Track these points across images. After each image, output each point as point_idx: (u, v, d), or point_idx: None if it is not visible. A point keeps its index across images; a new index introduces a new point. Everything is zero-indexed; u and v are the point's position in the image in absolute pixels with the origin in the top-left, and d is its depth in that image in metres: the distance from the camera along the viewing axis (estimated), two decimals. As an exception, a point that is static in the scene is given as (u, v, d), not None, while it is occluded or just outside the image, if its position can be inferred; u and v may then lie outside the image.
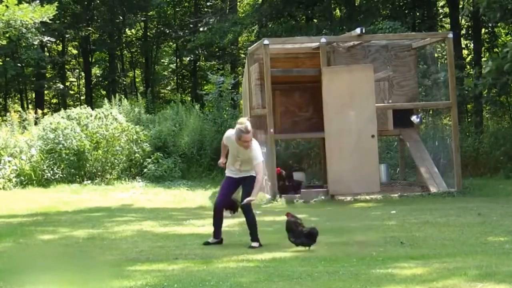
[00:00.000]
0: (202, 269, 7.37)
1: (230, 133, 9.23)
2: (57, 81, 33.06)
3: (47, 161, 18.18)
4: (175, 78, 36.44)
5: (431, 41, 16.94)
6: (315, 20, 27.15)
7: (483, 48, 25.78)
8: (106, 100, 21.79)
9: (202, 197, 15.66)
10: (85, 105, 21.71)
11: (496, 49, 23.34)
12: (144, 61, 35.38)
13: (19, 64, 29.30)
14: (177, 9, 35.17)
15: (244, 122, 9.01)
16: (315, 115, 16.33)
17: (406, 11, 26.81)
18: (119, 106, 20.99)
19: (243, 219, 11.82)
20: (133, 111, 20.93)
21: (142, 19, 34.04)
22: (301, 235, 8.68)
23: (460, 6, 25.25)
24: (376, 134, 14.83)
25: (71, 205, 14.49)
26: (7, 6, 17.02)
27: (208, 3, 34.74)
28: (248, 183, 9.16)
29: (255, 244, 9.06)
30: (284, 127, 16.44)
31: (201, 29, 30.76)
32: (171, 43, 35.53)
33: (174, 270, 7.39)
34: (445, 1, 27.98)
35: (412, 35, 18.06)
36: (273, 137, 15.13)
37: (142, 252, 8.87)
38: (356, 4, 27.04)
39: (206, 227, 10.88)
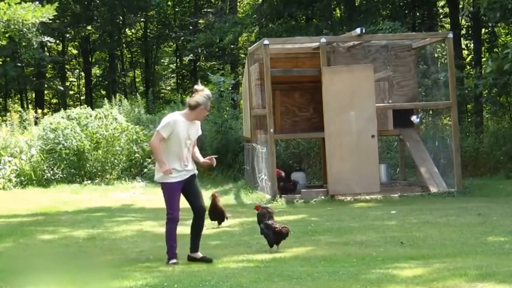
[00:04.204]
0: (202, 269, 7.37)
1: (175, 116, 7.83)
2: (57, 81, 33.06)
3: (47, 161, 18.19)
4: (175, 78, 36.44)
5: (431, 41, 16.92)
6: (315, 20, 27.13)
7: (483, 48, 25.77)
8: (106, 100, 21.79)
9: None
10: (85, 105, 21.73)
11: (496, 49, 23.31)
12: (144, 61, 35.39)
13: (19, 64, 29.30)
14: (177, 9, 35.17)
15: (204, 88, 7.98)
16: (315, 115, 16.33)
17: (406, 11, 26.79)
18: (119, 106, 20.99)
19: (244, 219, 11.80)
20: (133, 111, 20.92)
21: (142, 19, 34.04)
22: (270, 229, 8.43)
23: (460, 6, 25.24)
24: (376, 134, 14.83)
25: (71, 205, 14.49)
26: (9, 4, 17.01)
27: (208, 3, 34.73)
28: (195, 183, 7.90)
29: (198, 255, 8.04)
30: (284, 127, 16.43)
31: (201, 28, 30.74)
32: (171, 43, 35.53)
33: (174, 270, 7.40)
34: (445, 1, 27.97)
35: (412, 35, 18.05)
36: (273, 137, 15.12)
37: (142, 252, 8.88)
38: (356, 4, 27.02)
39: (206, 227, 10.89)
